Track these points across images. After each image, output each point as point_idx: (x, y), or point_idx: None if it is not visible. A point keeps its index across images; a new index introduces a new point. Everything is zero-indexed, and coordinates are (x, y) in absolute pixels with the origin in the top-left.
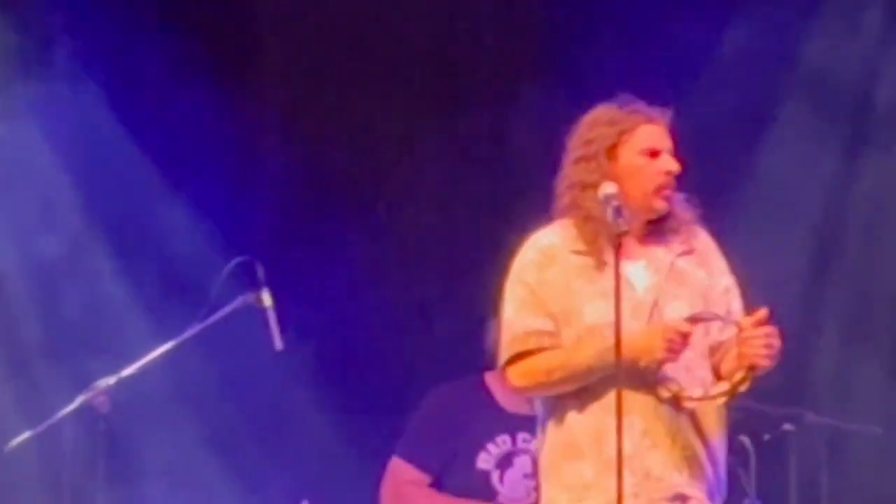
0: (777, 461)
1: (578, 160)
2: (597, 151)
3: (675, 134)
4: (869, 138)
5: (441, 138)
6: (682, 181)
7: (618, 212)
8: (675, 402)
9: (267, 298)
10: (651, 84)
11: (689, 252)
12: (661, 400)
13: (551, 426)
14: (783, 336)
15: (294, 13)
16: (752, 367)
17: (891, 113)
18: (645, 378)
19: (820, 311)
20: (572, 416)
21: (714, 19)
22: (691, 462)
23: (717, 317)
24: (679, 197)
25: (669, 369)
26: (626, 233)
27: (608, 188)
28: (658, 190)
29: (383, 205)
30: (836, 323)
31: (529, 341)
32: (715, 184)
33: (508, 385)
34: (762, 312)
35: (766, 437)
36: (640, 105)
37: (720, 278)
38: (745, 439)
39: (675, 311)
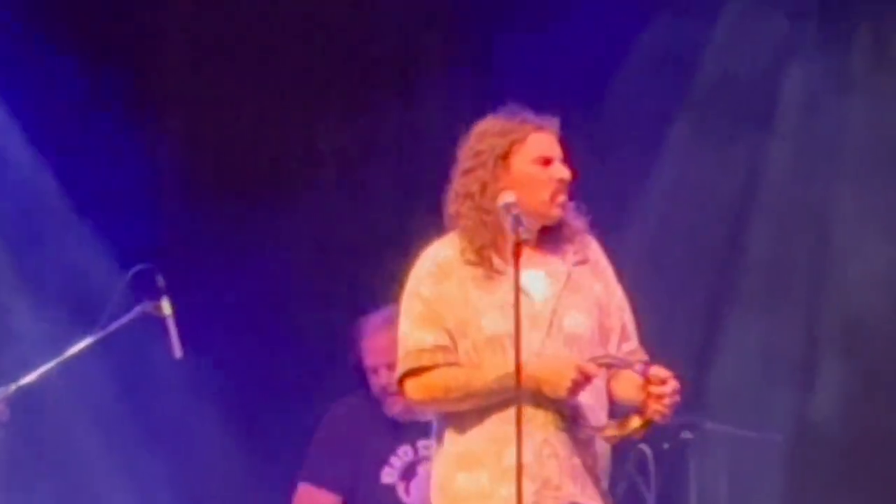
0: (676, 470)
1: (469, 171)
2: (487, 161)
3: (565, 142)
4: (771, 142)
5: (344, 132)
6: (575, 189)
7: (517, 220)
8: (572, 426)
9: (166, 307)
10: (561, 73)
11: (583, 262)
12: (558, 424)
13: (448, 436)
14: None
15: (195, 9)
16: (650, 420)
17: (792, 115)
18: (545, 398)
19: (721, 317)
20: (471, 426)
21: (629, 11)
22: (585, 473)
23: (625, 363)
24: (571, 205)
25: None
26: (527, 241)
27: (507, 197)
28: (553, 197)
29: (286, 207)
30: (737, 330)
31: (423, 357)
32: (618, 187)
33: (405, 398)
34: (668, 373)
35: (666, 445)
36: (529, 114)
37: (615, 292)
38: (644, 448)
39: (574, 322)
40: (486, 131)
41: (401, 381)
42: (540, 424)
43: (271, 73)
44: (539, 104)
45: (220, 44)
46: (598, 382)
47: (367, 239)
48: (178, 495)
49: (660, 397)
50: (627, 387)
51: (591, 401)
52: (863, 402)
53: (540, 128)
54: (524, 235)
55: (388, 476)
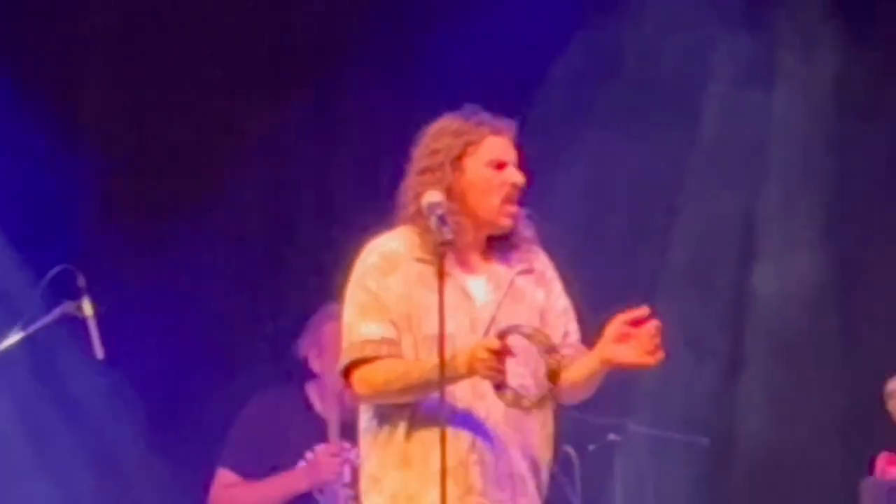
0: (602, 471)
1: (423, 171)
2: (442, 162)
3: (520, 147)
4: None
5: (265, 124)
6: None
7: (442, 220)
8: (517, 406)
9: (87, 307)
10: (484, 69)
11: (528, 271)
12: (506, 405)
13: (382, 436)
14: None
15: (114, 21)
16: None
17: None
18: (482, 390)
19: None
20: (404, 427)
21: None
22: (515, 479)
23: (533, 330)
24: (521, 213)
25: (513, 377)
26: (450, 242)
27: (432, 196)
28: (504, 202)
29: (206, 207)
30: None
31: (366, 349)
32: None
33: (350, 390)
34: (640, 312)
35: (591, 447)
36: (486, 116)
37: (558, 299)
38: (569, 450)
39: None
40: (443, 130)
41: (346, 372)
42: (470, 427)
43: (191, 73)
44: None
45: (140, 46)
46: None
47: (288, 240)
48: (100, 494)
49: (646, 339)
50: (581, 364)
51: (529, 381)
52: (787, 406)
53: (497, 131)
54: (447, 236)
55: None
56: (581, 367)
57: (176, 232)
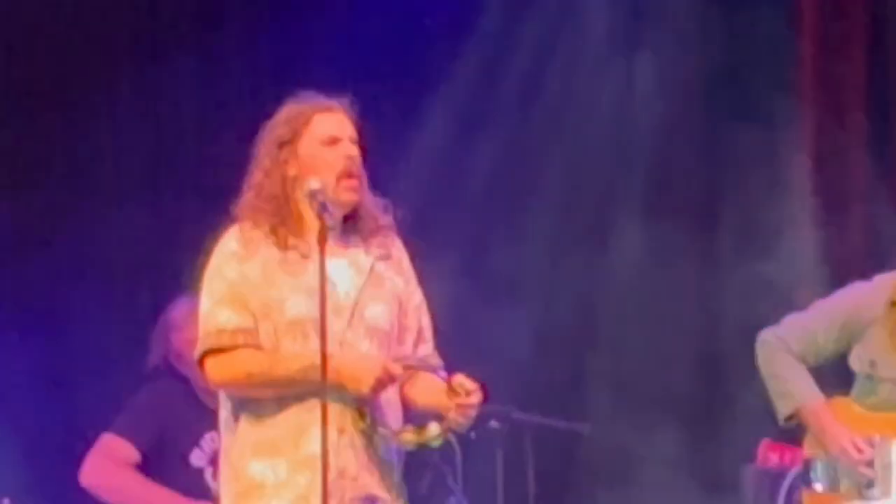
0: (484, 458)
1: (261, 160)
2: (277, 149)
3: (359, 122)
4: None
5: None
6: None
7: (323, 207)
8: (369, 429)
9: None
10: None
11: (386, 257)
12: (355, 418)
13: (244, 423)
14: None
15: None
16: (448, 429)
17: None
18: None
19: (523, 308)
20: (269, 414)
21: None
22: (381, 463)
23: (431, 368)
24: (378, 202)
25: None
26: (332, 228)
27: (313, 184)
28: (341, 177)
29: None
30: (534, 318)
31: (223, 338)
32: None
33: (205, 378)
34: (473, 384)
35: (473, 435)
36: (317, 97)
37: (414, 292)
38: (451, 438)
39: (375, 314)
40: (276, 121)
41: (201, 360)
42: (338, 413)
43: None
44: (335, 80)
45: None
46: (390, 391)
47: (164, 228)
48: None
49: (462, 407)
50: (428, 393)
51: (386, 402)
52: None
53: (326, 108)
54: (329, 223)
55: (198, 459)
56: (425, 399)
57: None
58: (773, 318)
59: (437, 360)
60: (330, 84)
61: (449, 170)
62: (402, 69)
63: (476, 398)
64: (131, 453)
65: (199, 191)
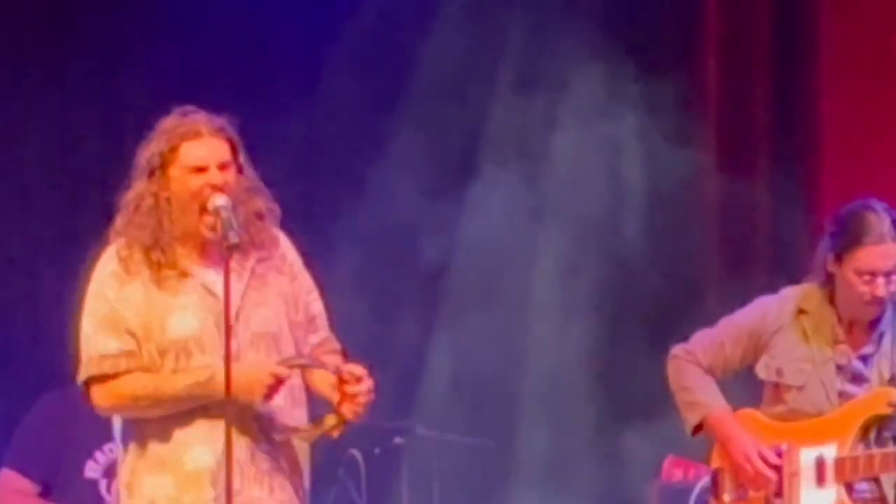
0: (388, 474)
1: (137, 178)
2: (154, 170)
3: (234, 140)
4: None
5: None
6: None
7: (229, 224)
8: (294, 435)
9: None
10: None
11: (267, 258)
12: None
13: (134, 439)
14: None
15: None
16: (344, 419)
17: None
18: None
19: (435, 320)
20: (154, 431)
21: None
22: (273, 475)
23: (318, 363)
24: (259, 201)
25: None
26: (236, 246)
27: (218, 200)
28: (202, 209)
29: None
30: (447, 334)
31: (104, 364)
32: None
33: (90, 404)
34: (362, 370)
35: (377, 450)
36: (191, 119)
37: (302, 283)
38: (355, 452)
39: (262, 320)
40: (152, 138)
41: (85, 385)
42: (221, 429)
43: None
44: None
45: None
46: (294, 380)
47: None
48: None
49: (354, 396)
50: (322, 383)
51: (285, 401)
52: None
53: (195, 135)
54: (233, 240)
55: (92, 470)
56: (319, 389)
57: None
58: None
59: (333, 345)
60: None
61: None
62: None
63: (366, 385)
64: (28, 486)
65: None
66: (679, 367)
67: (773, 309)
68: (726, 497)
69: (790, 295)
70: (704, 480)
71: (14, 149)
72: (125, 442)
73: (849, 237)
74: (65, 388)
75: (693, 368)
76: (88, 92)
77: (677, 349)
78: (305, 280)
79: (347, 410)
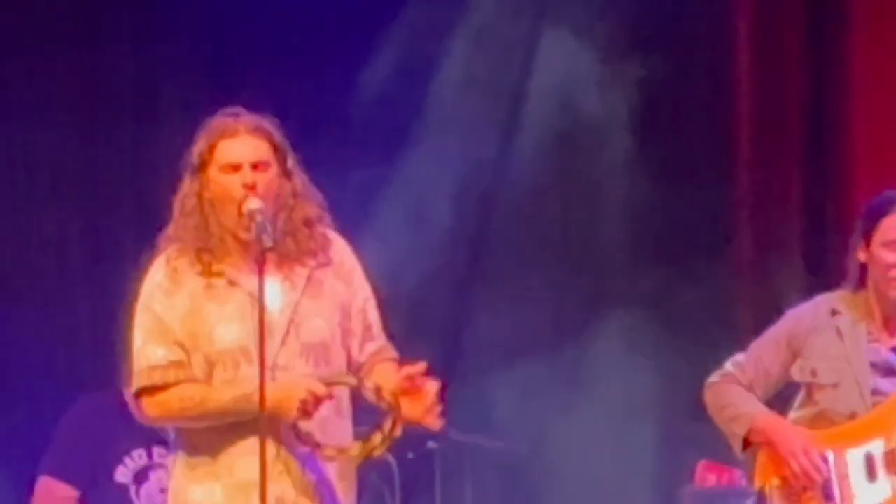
0: (421, 479)
1: (183, 183)
2: (192, 175)
3: (277, 141)
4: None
5: None
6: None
7: (262, 227)
8: (340, 457)
9: None
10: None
11: (326, 264)
12: (328, 458)
13: (183, 447)
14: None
15: None
16: (394, 425)
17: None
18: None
19: (465, 326)
20: (205, 439)
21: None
22: (321, 487)
23: (352, 383)
24: (313, 206)
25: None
26: (271, 249)
27: (252, 203)
28: (240, 207)
29: None
30: (480, 341)
31: (154, 376)
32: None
33: (140, 414)
34: (419, 367)
35: (411, 455)
36: (231, 117)
37: (358, 291)
38: (388, 458)
39: (314, 330)
40: (195, 140)
41: (135, 396)
42: (273, 437)
43: None
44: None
45: None
46: (341, 392)
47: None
48: None
49: (424, 402)
50: (382, 373)
51: (328, 412)
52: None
53: (232, 133)
54: (268, 243)
55: (122, 476)
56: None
57: None
58: None
59: (390, 353)
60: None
61: None
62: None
63: (430, 393)
64: (70, 492)
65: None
66: (717, 391)
67: (807, 313)
68: None
69: (823, 299)
70: (750, 502)
71: (44, 147)
72: (175, 450)
73: (873, 214)
74: (97, 393)
75: (733, 387)
76: (121, 87)
77: (712, 377)
78: (362, 287)
79: (412, 418)
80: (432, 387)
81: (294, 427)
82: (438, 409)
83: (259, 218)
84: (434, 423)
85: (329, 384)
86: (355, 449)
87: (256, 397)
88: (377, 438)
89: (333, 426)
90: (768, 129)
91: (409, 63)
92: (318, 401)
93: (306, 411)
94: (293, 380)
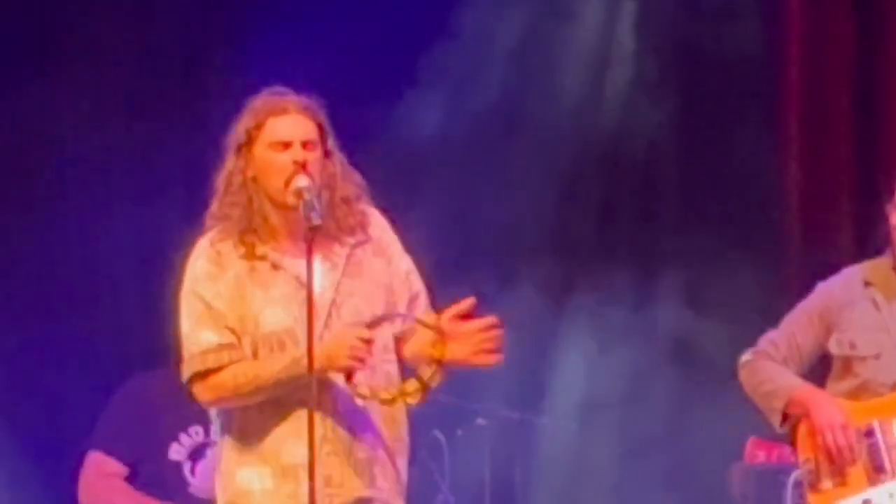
0: (471, 456)
1: (227, 162)
2: (237, 153)
3: (322, 122)
4: None
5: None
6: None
7: (311, 205)
8: (372, 400)
9: None
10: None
11: (364, 241)
12: (361, 398)
13: (231, 430)
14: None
15: None
16: (440, 361)
17: None
18: (330, 383)
19: (514, 301)
20: (252, 423)
21: None
22: (371, 465)
23: (399, 315)
24: (352, 185)
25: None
26: (318, 227)
27: (301, 181)
28: (287, 183)
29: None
30: (531, 316)
31: (208, 360)
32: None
33: (195, 399)
34: (465, 304)
35: (460, 431)
36: (279, 96)
37: (399, 265)
38: (438, 434)
39: (355, 308)
40: (239, 118)
41: (189, 381)
42: (318, 419)
43: None
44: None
45: None
46: (380, 352)
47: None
48: None
49: (468, 336)
50: (418, 343)
51: (376, 373)
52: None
53: (281, 111)
54: (315, 221)
55: (176, 453)
56: (417, 351)
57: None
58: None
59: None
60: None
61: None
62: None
63: (481, 325)
64: (118, 468)
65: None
66: (752, 368)
67: (838, 286)
68: (825, 485)
69: (853, 271)
70: (797, 473)
71: (96, 135)
72: (223, 434)
73: None
74: (150, 372)
75: (768, 363)
76: (170, 74)
77: (746, 355)
78: (404, 261)
79: (464, 355)
80: (481, 323)
81: (348, 377)
82: (490, 344)
83: (308, 196)
84: (484, 360)
85: (375, 324)
86: (388, 393)
87: (306, 360)
88: (412, 385)
89: (382, 364)
90: (817, 112)
91: None
92: (367, 344)
93: (357, 357)
94: (339, 331)
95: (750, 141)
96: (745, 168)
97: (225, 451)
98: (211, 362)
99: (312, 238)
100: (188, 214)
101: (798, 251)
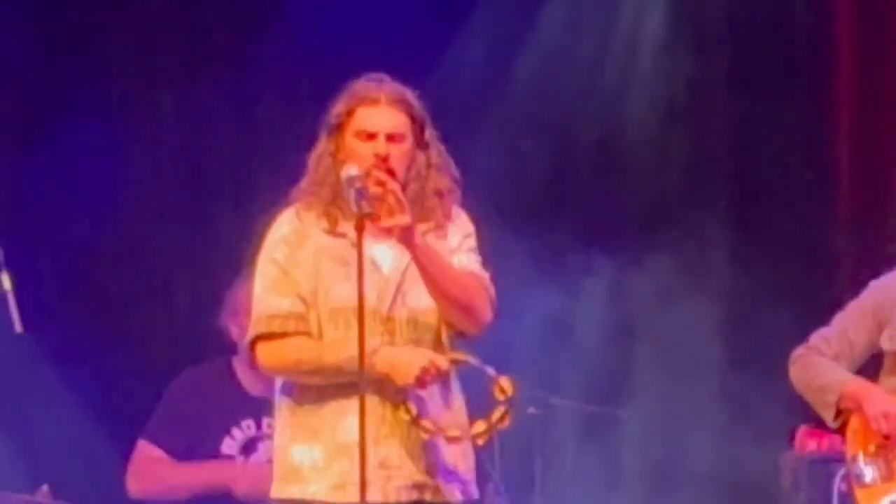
0: (521, 445)
1: (319, 142)
2: (329, 135)
3: (416, 113)
4: None
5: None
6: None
7: (360, 194)
8: (438, 436)
9: (6, 281)
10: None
11: (436, 227)
12: (425, 433)
13: (287, 407)
14: None
15: None
16: (503, 416)
17: None
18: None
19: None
20: (308, 399)
21: None
22: (428, 450)
23: (473, 363)
24: (440, 182)
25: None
26: (368, 215)
27: (351, 170)
28: (369, 173)
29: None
30: (588, 305)
31: (273, 324)
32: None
33: (254, 361)
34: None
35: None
36: (374, 84)
37: (452, 238)
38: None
39: (418, 297)
40: (337, 100)
41: (252, 344)
42: (378, 404)
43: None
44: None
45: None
46: (437, 387)
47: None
48: (22, 469)
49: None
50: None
51: (426, 403)
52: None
53: (372, 101)
54: (366, 209)
55: (228, 447)
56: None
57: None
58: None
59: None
60: None
61: None
62: None
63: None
64: (165, 458)
65: None
66: (804, 364)
67: (892, 282)
68: (872, 479)
69: None
70: (843, 471)
71: (150, 126)
72: (278, 412)
73: None
74: (204, 365)
75: (819, 358)
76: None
77: (797, 351)
78: (457, 236)
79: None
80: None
81: (402, 393)
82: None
83: (358, 185)
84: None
85: (452, 361)
86: (454, 430)
87: (374, 359)
88: (480, 426)
89: (434, 396)
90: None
91: None
92: (438, 373)
93: (424, 381)
94: (419, 349)
95: (800, 118)
96: (794, 145)
97: (280, 427)
98: (276, 326)
99: (363, 226)
100: (237, 209)
101: (848, 237)
